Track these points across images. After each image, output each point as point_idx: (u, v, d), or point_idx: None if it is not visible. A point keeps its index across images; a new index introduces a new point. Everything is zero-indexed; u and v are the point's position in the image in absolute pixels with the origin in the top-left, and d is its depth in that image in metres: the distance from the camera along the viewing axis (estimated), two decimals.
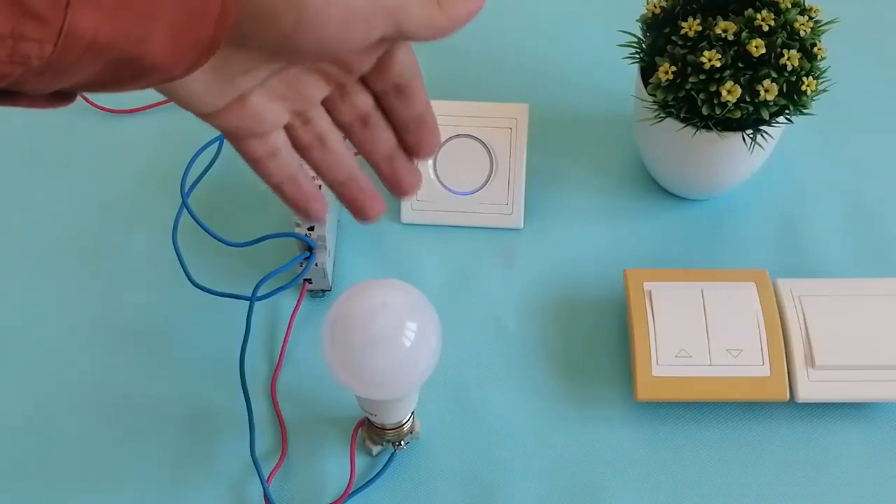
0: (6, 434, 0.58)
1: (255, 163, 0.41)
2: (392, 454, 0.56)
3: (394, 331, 0.43)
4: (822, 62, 0.57)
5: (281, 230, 0.61)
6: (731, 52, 0.55)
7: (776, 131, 0.59)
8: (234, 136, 0.40)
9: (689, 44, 0.57)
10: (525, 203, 0.66)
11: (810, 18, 0.57)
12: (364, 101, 0.41)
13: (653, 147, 0.66)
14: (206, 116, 0.38)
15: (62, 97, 0.32)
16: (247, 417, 0.57)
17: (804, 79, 0.56)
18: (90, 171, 0.71)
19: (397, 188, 0.44)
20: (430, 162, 0.66)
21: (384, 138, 0.42)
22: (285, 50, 0.35)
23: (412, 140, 0.42)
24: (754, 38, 0.54)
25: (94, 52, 0.28)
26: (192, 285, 0.61)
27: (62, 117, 0.73)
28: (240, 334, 0.60)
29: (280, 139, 0.41)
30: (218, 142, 0.69)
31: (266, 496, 0.54)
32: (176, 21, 0.29)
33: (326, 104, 0.41)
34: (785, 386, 0.56)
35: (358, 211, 0.44)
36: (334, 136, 0.42)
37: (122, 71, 0.30)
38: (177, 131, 0.71)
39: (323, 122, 0.41)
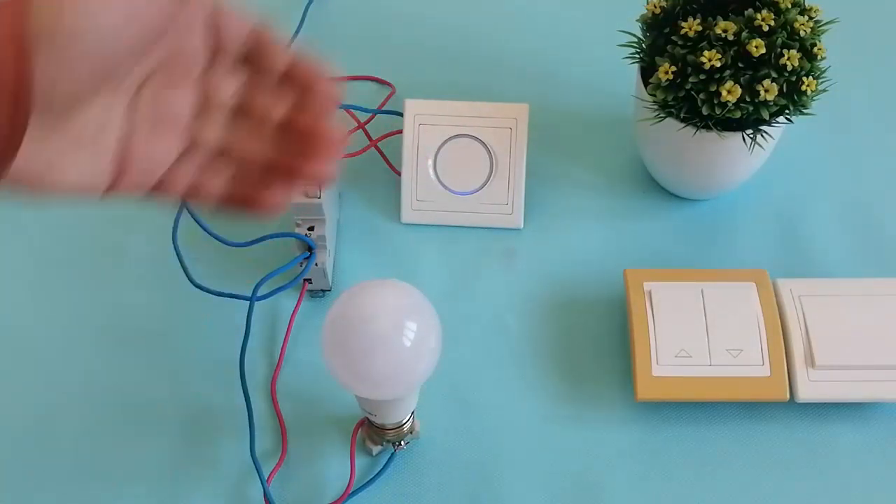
0: (6, 434, 0.58)
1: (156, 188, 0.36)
2: (392, 454, 0.56)
3: (393, 331, 0.43)
4: (822, 62, 0.57)
5: (281, 230, 0.61)
6: (731, 52, 0.55)
7: (776, 131, 0.59)
8: (144, 193, 0.36)
9: (689, 44, 0.57)
10: (525, 203, 0.66)
11: (810, 18, 0.57)
12: (227, 89, 0.36)
13: (653, 147, 0.66)
14: (103, 196, 0.34)
15: None
16: (247, 417, 0.57)
17: (804, 79, 0.56)
18: None
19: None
20: (431, 162, 0.66)
21: (257, 135, 0.37)
22: (102, 72, 0.31)
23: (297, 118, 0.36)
24: (754, 38, 0.54)
25: None
26: (192, 285, 0.61)
27: None
28: (240, 334, 0.60)
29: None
30: None
31: (266, 496, 0.54)
32: None
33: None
34: (785, 386, 0.56)
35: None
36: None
37: None
38: None
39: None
